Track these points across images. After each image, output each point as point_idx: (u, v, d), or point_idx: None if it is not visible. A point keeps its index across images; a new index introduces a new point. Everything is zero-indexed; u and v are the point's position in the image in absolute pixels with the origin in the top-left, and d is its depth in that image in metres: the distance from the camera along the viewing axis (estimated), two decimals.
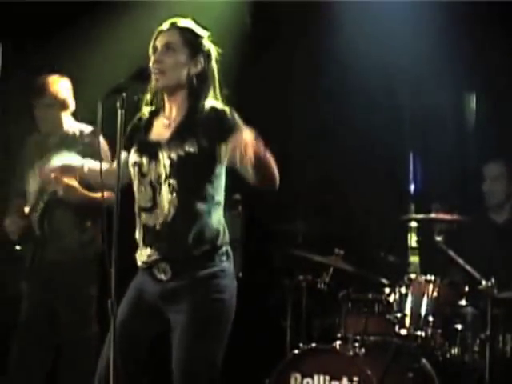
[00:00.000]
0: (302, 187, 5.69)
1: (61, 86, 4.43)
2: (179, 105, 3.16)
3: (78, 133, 4.39)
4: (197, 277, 3.05)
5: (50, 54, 5.12)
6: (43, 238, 4.35)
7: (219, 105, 3.14)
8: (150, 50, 3.16)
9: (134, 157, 3.17)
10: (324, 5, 5.37)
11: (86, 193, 4.18)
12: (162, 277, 3.09)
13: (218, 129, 3.06)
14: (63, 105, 4.44)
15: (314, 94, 5.68)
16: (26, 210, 4.37)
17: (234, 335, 3.13)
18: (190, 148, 3.06)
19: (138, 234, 3.16)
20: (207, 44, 3.19)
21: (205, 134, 3.06)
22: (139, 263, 3.17)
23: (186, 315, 3.03)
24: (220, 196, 3.15)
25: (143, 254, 3.13)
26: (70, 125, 4.47)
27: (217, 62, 3.20)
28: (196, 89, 3.14)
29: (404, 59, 5.37)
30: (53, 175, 3.86)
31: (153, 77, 3.10)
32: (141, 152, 3.15)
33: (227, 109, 3.11)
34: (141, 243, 3.14)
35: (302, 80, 5.68)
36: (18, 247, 4.45)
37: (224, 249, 3.12)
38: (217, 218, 3.11)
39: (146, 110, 3.25)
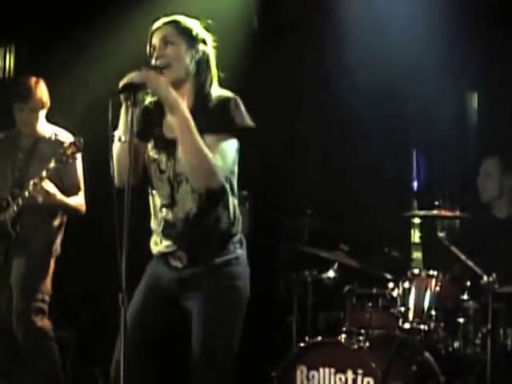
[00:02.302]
0: (308, 184, 5.76)
1: (42, 88, 4.48)
2: (186, 97, 3.13)
3: (52, 136, 4.41)
4: (212, 264, 3.09)
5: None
6: (17, 238, 4.38)
7: (224, 93, 3.14)
8: (149, 50, 3.14)
9: (151, 153, 3.17)
10: (325, 5, 5.43)
11: (63, 198, 4.34)
12: (178, 264, 3.13)
13: (221, 121, 3.05)
14: (43, 107, 4.50)
15: (319, 94, 5.73)
16: None
17: (242, 328, 3.17)
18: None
19: (157, 226, 3.17)
20: (201, 31, 3.18)
21: (214, 126, 3.05)
22: (154, 252, 3.21)
23: (201, 302, 3.08)
24: (235, 185, 3.17)
25: (161, 245, 3.16)
26: (45, 127, 4.52)
27: (213, 47, 3.20)
28: (201, 77, 3.13)
29: (406, 59, 5.40)
30: (31, 182, 4.10)
31: (159, 73, 3.05)
32: (158, 149, 3.15)
33: (232, 98, 3.09)
34: (159, 235, 3.16)
35: (308, 80, 5.74)
36: None
37: (238, 237, 3.17)
38: (233, 207, 3.14)
39: (149, 101, 3.21)
